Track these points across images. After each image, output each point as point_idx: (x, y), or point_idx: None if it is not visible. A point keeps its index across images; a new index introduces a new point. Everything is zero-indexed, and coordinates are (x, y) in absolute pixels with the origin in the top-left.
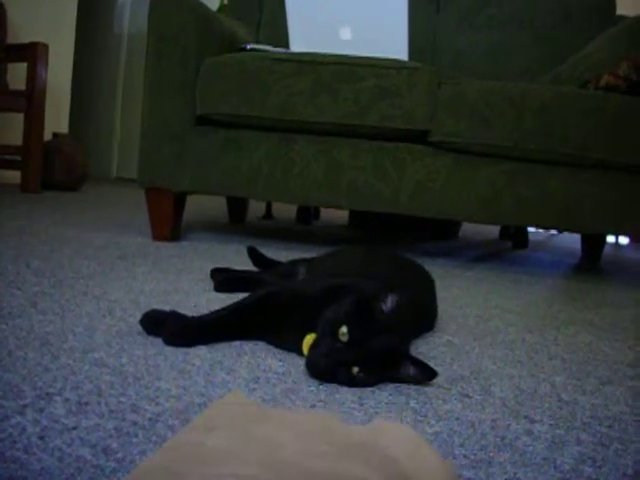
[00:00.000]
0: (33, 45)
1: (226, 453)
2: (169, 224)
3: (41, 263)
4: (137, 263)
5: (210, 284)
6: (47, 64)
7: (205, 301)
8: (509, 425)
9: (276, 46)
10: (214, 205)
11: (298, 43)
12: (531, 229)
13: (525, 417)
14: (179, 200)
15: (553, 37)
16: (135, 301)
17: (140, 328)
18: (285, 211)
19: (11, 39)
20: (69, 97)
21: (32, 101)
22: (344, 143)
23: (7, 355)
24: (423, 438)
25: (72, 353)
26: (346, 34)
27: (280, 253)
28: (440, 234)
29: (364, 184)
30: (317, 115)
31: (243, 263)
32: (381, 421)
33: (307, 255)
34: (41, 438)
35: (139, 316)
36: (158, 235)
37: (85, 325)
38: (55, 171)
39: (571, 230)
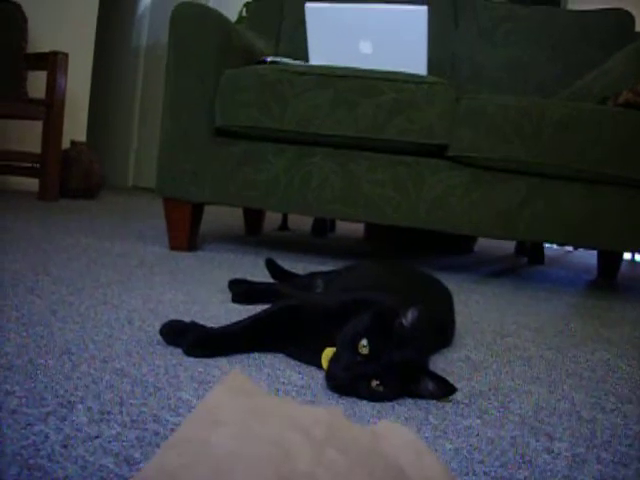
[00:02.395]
0: (53, 54)
1: (236, 457)
2: (186, 234)
3: (60, 271)
4: (155, 272)
5: (228, 295)
6: (67, 73)
7: (223, 312)
8: (529, 442)
9: (295, 59)
10: (230, 215)
11: (317, 56)
12: (547, 245)
13: (545, 434)
14: (197, 210)
15: (571, 53)
16: (154, 311)
17: (160, 338)
18: (301, 223)
19: (32, 48)
20: (87, 106)
21: (51, 110)
22: (362, 156)
23: (28, 362)
24: (424, 443)
25: (93, 362)
26: (366, 48)
27: (296, 265)
28: (456, 249)
29: (381, 197)
30: (336, 128)
31: (260, 274)
32: (384, 424)
33: (322, 267)
34: (64, 446)
35: (158, 326)
36: (175, 245)
37: (105, 334)
38: (72, 179)
39: (588, 247)
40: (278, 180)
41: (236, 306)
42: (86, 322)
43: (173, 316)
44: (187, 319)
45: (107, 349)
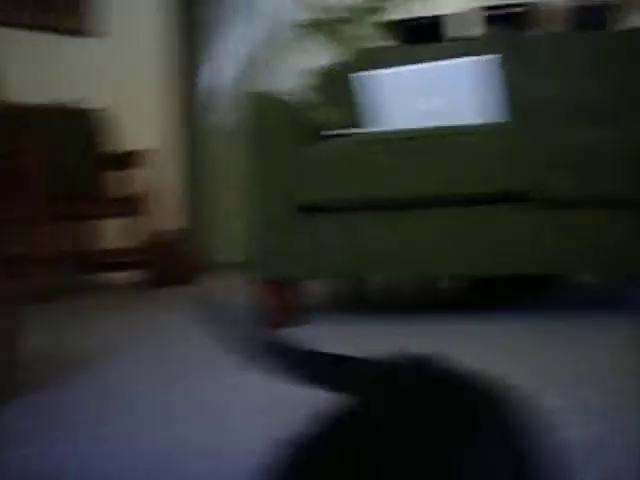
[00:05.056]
0: (131, 153)
1: None
2: (286, 312)
3: (185, 365)
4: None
5: None
6: (154, 168)
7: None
8: None
9: (362, 126)
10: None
11: (386, 121)
12: None
13: None
14: (294, 286)
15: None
16: (282, 402)
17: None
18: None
19: (120, 147)
20: (177, 196)
21: (139, 204)
22: (447, 212)
23: None
24: None
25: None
26: (435, 105)
27: (400, 330)
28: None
29: (471, 249)
30: (413, 188)
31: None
32: None
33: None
34: None
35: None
36: (277, 323)
37: (233, 423)
38: (170, 267)
39: None
40: (367, 247)
41: None
42: (224, 417)
43: (303, 403)
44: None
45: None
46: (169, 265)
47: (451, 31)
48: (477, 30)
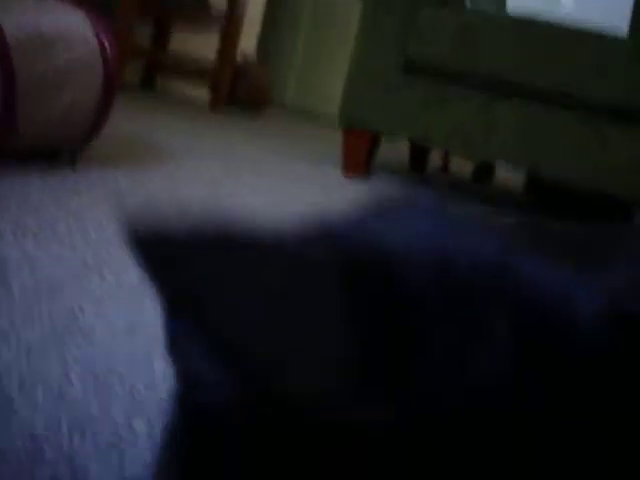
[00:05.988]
0: None
1: None
2: (362, 162)
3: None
4: (339, 196)
5: None
6: None
7: None
8: None
9: (494, 5)
10: (392, 148)
11: (516, 3)
12: None
13: None
14: (375, 140)
15: None
16: None
17: None
18: (463, 165)
19: None
20: (260, 21)
21: (231, 23)
22: (552, 112)
23: None
24: None
25: None
26: (567, 1)
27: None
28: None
29: (563, 155)
30: (527, 80)
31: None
32: None
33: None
34: None
35: None
36: (350, 171)
37: None
38: (240, 91)
39: None
40: (461, 124)
41: None
42: None
43: None
44: None
45: None
46: (241, 87)
47: None
48: None
